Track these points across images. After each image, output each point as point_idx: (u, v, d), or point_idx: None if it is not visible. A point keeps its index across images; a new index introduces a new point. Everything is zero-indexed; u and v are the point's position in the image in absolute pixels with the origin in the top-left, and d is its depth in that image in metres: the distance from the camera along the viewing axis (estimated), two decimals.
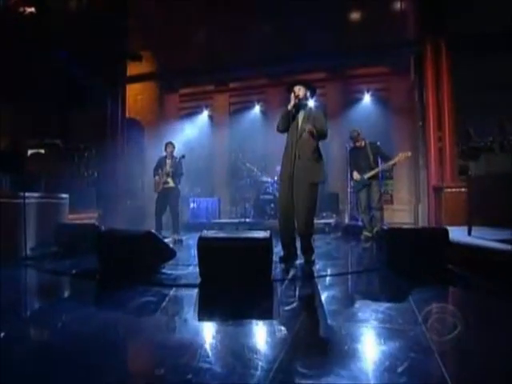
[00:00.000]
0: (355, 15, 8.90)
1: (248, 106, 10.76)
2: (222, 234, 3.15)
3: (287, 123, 3.86)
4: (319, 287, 2.81)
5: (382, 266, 3.41)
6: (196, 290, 2.86)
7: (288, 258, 3.80)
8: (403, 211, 9.54)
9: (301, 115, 3.89)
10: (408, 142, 8.65)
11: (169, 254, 3.55)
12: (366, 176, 5.96)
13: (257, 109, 10.64)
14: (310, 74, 10.24)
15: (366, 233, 6.00)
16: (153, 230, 3.51)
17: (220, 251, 2.92)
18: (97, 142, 7.40)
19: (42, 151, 6.12)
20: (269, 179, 8.54)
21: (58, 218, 5.64)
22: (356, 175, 6.07)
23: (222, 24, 9.56)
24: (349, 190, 7.89)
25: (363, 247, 5.49)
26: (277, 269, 3.40)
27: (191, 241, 6.40)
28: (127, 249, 3.41)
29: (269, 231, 3.01)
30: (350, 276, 3.21)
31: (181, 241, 5.80)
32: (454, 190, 6.29)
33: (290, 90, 3.92)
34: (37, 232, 5.17)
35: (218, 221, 8.37)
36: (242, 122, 10.61)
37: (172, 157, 6.37)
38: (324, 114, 4.00)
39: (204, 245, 2.95)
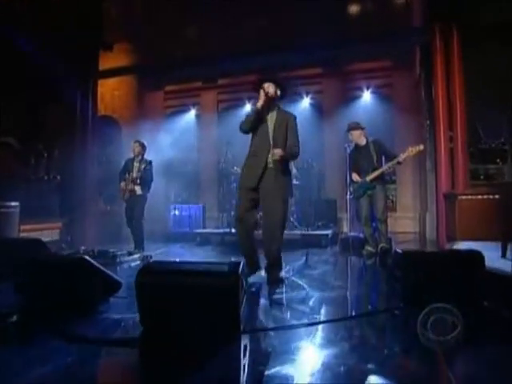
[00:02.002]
0: (354, 3, 8.05)
1: (238, 104, 9.89)
2: (173, 265, 2.26)
3: (254, 124, 3.37)
4: (309, 346, 1.92)
5: (398, 304, 2.53)
6: (132, 350, 1.97)
7: (253, 269, 3.35)
8: (407, 219, 8.69)
9: (271, 117, 3.42)
10: (413, 144, 7.79)
11: (111, 286, 2.66)
12: (369, 178, 5.03)
13: (247, 107, 9.74)
14: (305, 70, 9.43)
15: (368, 248, 5.11)
16: (86, 257, 2.61)
17: (168, 291, 2.04)
18: (62, 141, 6.48)
19: None
20: None
21: (2, 231, 4.75)
22: (356, 177, 5.13)
23: (210, 14, 8.74)
24: (348, 196, 7.00)
25: (367, 265, 4.63)
26: (247, 306, 2.48)
27: (167, 256, 5.52)
28: (54, 282, 2.53)
29: (242, 262, 2.13)
30: (354, 322, 2.32)
31: (150, 257, 4.89)
32: (470, 197, 5.42)
33: (258, 87, 3.41)
34: None
35: (201, 230, 7.46)
36: (231, 121, 9.67)
37: (140, 159, 5.48)
38: (296, 120, 3.49)
39: (145, 282, 2.06)
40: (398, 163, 5.03)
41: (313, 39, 7.62)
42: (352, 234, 6.34)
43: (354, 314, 2.49)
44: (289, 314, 2.50)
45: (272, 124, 3.38)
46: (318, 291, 3.06)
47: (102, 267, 2.61)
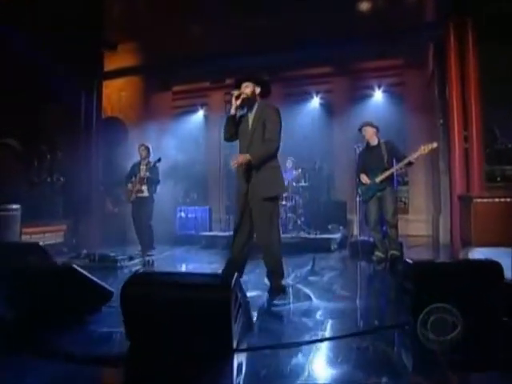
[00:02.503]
0: None
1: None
2: (161, 277, 2.11)
3: (232, 130, 3.21)
4: (310, 367, 1.74)
5: (408, 319, 2.33)
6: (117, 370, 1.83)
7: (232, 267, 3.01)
8: (420, 222, 8.40)
9: (251, 116, 3.19)
10: (426, 143, 7.51)
11: (101, 296, 2.52)
12: (378, 179, 4.77)
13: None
14: (314, 69, 9.22)
15: (378, 253, 4.88)
16: (75, 266, 2.48)
17: (154, 305, 1.88)
18: (65, 142, 6.40)
19: None
20: None
21: (3, 234, 4.67)
22: (365, 178, 4.86)
23: (216, 14, 8.59)
24: (357, 198, 6.77)
25: (376, 272, 4.44)
26: (243, 320, 2.28)
27: (170, 260, 5.41)
28: (41, 291, 2.40)
29: (236, 274, 1.97)
30: (361, 338, 2.12)
31: (152, 262, 4.75)
32: (486, 200, 5.15)
33: (238, 88, 3.18)
34: None
35: (207, 233, 7.32)
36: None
37: (147, 162, 5.51)
38: (277, 113, 3.13)
39: (131, 295, 1.91)
40: (410, 163, 4.78)
41: (321, 37, 7.39)
42: (362, 237, 6.11)
43: (361, 329, 2.30)
44: (289, 328, 2.32)
45: (251, 123, 3.16)
46: (323, 301, 2.88)
47: (91, 276, 2.47)
